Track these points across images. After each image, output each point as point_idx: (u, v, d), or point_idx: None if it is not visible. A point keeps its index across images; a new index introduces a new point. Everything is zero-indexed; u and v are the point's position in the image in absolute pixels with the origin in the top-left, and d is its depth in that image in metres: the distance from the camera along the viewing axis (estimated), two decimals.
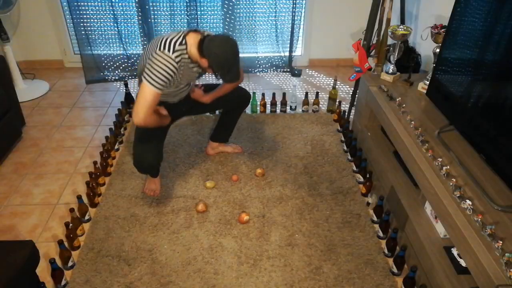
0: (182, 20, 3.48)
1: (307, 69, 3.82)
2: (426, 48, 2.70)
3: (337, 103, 3.03)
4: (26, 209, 2.22)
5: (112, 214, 2.14)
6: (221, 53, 1.75)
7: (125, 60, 3.66)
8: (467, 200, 1.47)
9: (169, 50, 1.77)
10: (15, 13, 3.45)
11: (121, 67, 3.67)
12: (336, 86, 3.05)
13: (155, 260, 1.89)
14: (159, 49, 1.78)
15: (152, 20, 3.47)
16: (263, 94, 3.04)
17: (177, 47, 1.79)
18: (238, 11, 3.50)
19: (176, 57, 1.79)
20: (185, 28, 1.95)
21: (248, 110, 3.05)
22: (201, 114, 2.59)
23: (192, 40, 1.81)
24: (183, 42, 1.81)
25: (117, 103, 3.20)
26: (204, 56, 1.78)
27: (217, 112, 2.89)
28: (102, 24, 3.51)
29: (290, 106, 3.09)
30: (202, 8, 3.48)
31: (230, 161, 2.54)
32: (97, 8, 3.43)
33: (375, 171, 2.30)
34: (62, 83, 3.56)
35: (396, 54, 2.42)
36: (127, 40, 3.60)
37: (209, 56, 1.76)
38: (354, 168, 2.49)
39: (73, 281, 1.79)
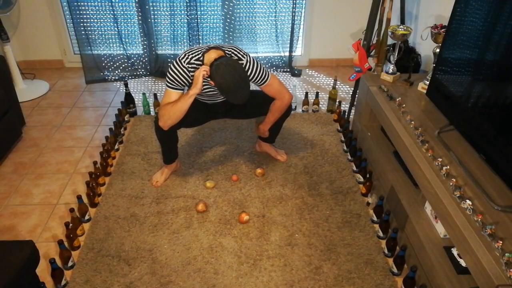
0: (182, 20, 3.49)
1: (307, 69, 3.82)
2: (426, 48, 2.70)
3: (337, 103, 3.03)
4: (26, 209, 2.22)
5: (112, 214, 2.14)
6: (223, 82, 1.85)
7: (125, 60, 3.66)
8: (467, 200, 1.47)
9: (184, 61, 1.96)
10: (15, 13, 3.45)
11: (121, 67, 3.67)
12: (336, 86, 3.05)
13: (155, 260, 1.89)
14: (178, 58, 1.98)
15: (152, 20, 3.47)
16: None
17: (192, 60, 1.96)
18: (238, 11, 3.50)
19: (190, 68, 1.96)
20: (208, 44, 2.10)
21: None
22: (238, 119, 2.61)
23: (208, 58, 1.93)
24: (201, 58, 1.96)
25: (117, 103, 3.20)
26: (212, 78, 1.90)
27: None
28: (102, 24, 3.51)
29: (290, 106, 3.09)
30: (202, 8, 3.48)
31: (230, 161, 2.54)
32: (97, 8, 3.43)
33: (375, 171, 2.30)
34: (62, 83, 3.56)
35: (396, 54, 2.42)
36: (127, 40, 3.60)
37: (214, 81, 1.89)
38: (354, 168, 2.49)
39: (73, 281, 1.79)
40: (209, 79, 1.94)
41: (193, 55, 1.97)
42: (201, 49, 1.98)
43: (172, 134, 2.20)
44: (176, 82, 1.98)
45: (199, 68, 1.93)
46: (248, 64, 2.00)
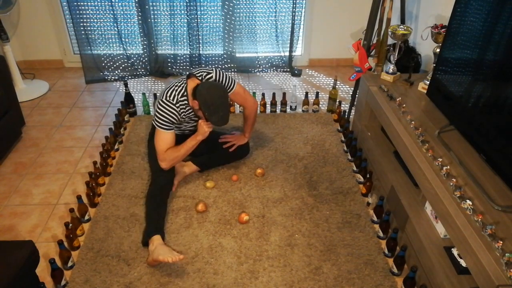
0: (182, 20, 3.48)
1: (307, 69, 3.82)
2: (426, 48, 2.70)
3: (337, 103, 3.03)
4: (26, 209, 2.21)
5: (111, 214, 2.14)
6: (208, 94, 2.00)
7: (125, 60, 3.66)
8: (467, 200, 1.47)
9: (173, 100, 2.07)
10: (15, 13, 3.45)
11: (121, 67, 3.67)
12: (336, 86, 3.05)
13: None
14: (165, 98, 2.07)
15: (152, 20, 3.47)
16: (263, 94, 3.04)
17: (179, 98, 2.09)
18: (238, 11, 3.49)
19: (180, 106, 2.09)
20: (182, 77, 2.20)
21: None
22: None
23: (191, 88, 2.08)
24: (185, 93, 2.10)
25: (117, 103, 3.19)
26: (195, 98, 2.03)
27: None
28: (102, 24, 3.51)
29: (290, 106, 3.09)
30: (202, 8, 3.48)
31: None
32: (97, 8, 3.43)
33: (375, 171, 2.30)
34: (62, 83, 3.56)
35: (396, 54, 2.42)
36: (127, 40, 3.60)
37: (199, 98, 2.00)
38: (354, 168, 2.49)
39: (72, 281, 1.79)
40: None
41: (177, 91, 2.09)
42: (180, 83, 2.12)
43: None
44: (170, 123, 2.08)
45: (186, 103, 2.11)
46: (216, 74, 2.18)
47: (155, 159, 2.15)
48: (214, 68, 2.20)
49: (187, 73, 2.17)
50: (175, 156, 2.11)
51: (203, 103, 2.00)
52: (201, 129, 2.11)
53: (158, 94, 2.87)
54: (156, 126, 2.08)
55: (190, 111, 2.17)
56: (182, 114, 2.14)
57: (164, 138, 2.09)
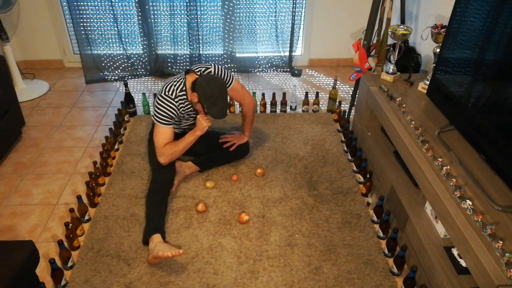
0: (182, 20, 3.48)
1: (307, 69, 3.82)
2: (426, 48, 2.70)
3: (337, 103, 3.03)
4: (26, 209, 2.21)
5: (111, 214, 2.14)
6: (208, 86, 2.01)
7: (125, 60, 3.66)
8: (467, 200, 1.47)
9: (172, 95, 2.08)
10: (15, 13, 3.45)
11: (121, 67, 3.67)
12: (336, 86, 3.05)
13: None
14: (164, 93, 2.08)
15: (152, 20, 3.47)
16: (263, 94, 3.04)
17: (178, 93, 2.09)
18: (238, 11, 3.50)
19: (179, 101, 2.10)
20: (183, 72, 2.21)
21: None
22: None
23: (189, 83, 2.10)
24: (184, 88, 2.11)
25: (117, 103, 3.19)
26: (194, 90, 2.04)
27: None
28: (102, 24, 3.51)
29: (290, 106, 3.09)
30: (202, 8, 3.48)
31: None
32: (97, 8, 3.43)
33: (375, 171, 2.30)
34: (62, 83, 3.56)
35: (396, 54, 2.42)
36: (127, 40, 3.60)
37: (199, 89, 2.02)
38: (354, 168, 2.49)
39: (72, 281, 1.79)
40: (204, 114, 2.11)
41: (176, 86, 2.10)
42: (179, 79, 2.13)
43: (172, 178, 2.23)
44: (169, 118, 2.08)
45: (185, 98, 2.11)
46: (215, 69, 2.19)
47: (155, 157, 2.14)
48: (212, 64, 2.21)
49: (185, 70, 2.18)
50: (174, 151, 2.11)
51: (203, 95, 2.00)
52: (199, 124, 2.10)
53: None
54: (155, 121, 2.09)
55: (188, 106, 2.17)
56: (181, 110, 2.14)
57: (163, 132, 2.09)
